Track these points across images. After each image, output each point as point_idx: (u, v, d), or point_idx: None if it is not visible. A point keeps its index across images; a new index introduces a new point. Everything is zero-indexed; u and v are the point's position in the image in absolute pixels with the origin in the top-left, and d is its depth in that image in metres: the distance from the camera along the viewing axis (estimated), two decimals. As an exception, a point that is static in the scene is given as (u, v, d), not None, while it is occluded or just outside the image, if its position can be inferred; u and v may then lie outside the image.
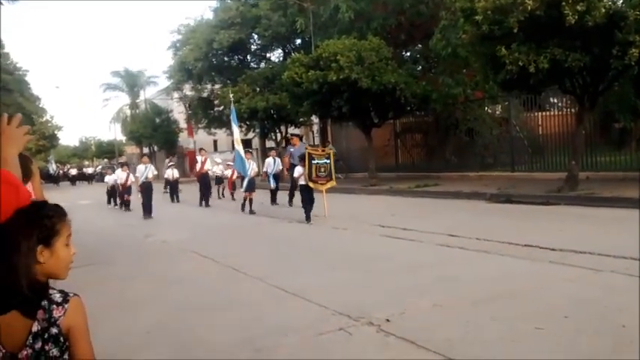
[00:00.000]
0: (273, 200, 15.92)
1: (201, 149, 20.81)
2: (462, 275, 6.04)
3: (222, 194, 20.87)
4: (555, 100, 18.46)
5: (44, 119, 49.98)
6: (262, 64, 32.16)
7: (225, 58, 31.34)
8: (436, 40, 17.58)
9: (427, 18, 20.14)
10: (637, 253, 6.09)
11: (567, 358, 3.68)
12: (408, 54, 23.81)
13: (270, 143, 31.25)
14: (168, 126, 43.88)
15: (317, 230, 10.57)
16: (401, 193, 16.52)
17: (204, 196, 17.60)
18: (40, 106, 48.95)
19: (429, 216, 11.58)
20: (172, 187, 20.35)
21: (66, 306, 1.61)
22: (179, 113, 42.34)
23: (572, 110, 15.59)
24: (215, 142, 42.95)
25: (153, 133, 43.50)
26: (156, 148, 46.82)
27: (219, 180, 21.37)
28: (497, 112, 21.49)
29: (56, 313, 1.59)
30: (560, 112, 17.35)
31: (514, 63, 11.30)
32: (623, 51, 10.42)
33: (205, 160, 18.93)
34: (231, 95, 16.98)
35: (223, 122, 32.36)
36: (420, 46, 23.13)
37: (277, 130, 29.56)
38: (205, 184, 18.05)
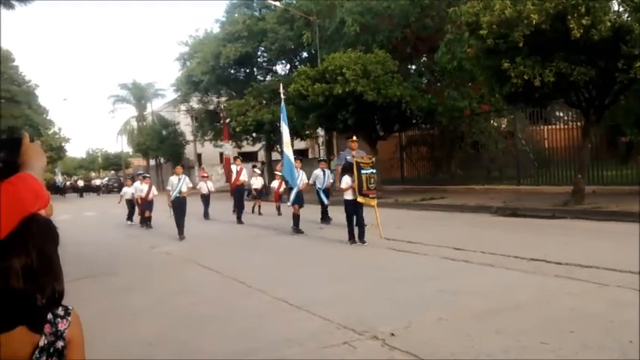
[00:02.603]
0: (324, 218, 13.69)
1: (236, 157, 17.90)
2: (467, 288, 6.01)
3: (260, 211, 17.81)
4: (561, 114, 18.47)
5: (52, 131, 50.44)
6: (269, 77, 32.38)
7: (232, 71, 31.56)
8: (441, 54, 17.65)
9: (432, 32, 20.25)
10: (644, 268, 6.05)
11: (573, 373, 3.65)
12: (414, 67, 23.92)
13: (275, 155, 31.32)
14: (174, 138, 44.13)
15: (322, 243, 10.55)
16: (406, 206, 16.49)
17: (237, 211, 15.62)
18: (48, 118, 49.51)
19: (435, 229, 11.54)
20: (205, 201, 17.70)
21: (69, 318, 1.61)
22: (186, 125, 42.53)
23: (578, 124, 15.57)
24: (221, 154, 43.06)
25: (160, 145, 43.79)
26: (162, 160, 47.12)
27: (261, 193, 18.77)
28: (503, 126, 21.50)
29: (61, 326, 1.59)
30: (566, 126, 17.33)
31: (519, 76, 11.32)
32: (628, 64, 10.44)
33: (241, 170, 16.69)
34: (281, 90, 14.15)
35: (230, 134, 32.52)
36: (425, 59, 23.26)
37: (283, 143, 29.69)
38: (240, 197, 16.05)
